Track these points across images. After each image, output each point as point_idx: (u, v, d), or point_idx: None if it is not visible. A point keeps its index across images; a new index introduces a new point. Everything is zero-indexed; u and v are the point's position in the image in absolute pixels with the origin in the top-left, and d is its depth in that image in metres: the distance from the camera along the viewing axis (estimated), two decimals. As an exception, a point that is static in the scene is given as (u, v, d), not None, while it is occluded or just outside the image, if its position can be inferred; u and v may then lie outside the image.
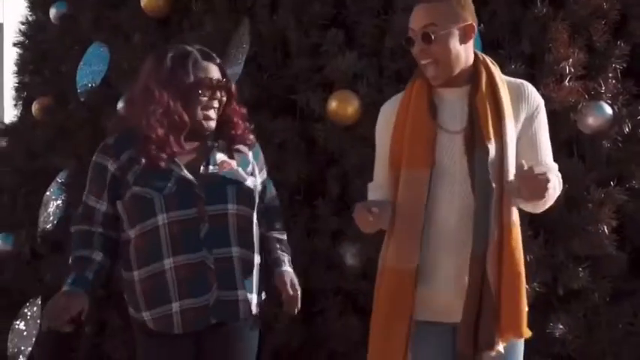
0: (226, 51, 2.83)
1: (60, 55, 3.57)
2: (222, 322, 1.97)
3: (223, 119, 2.05)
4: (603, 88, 2.78)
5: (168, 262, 1.95)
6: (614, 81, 2.83)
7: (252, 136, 2.10)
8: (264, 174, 2.14)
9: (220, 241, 1.97)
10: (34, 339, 3.05)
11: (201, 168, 2.01)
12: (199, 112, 2.00)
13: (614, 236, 2.65)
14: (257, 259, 2.06)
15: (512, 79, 1.94)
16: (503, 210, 1.80)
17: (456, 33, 1.84)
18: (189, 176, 1.99)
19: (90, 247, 2.01)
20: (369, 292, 2.60)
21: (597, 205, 2.64)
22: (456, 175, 1.81)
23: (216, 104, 2.02)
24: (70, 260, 2.01)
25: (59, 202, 3.27)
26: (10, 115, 4.28)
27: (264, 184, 2.13)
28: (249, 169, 2.08)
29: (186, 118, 1.98)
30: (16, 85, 3.93)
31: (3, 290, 3.31)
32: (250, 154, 2.10)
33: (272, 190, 2.17)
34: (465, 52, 1.85)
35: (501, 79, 1.90)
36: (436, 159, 1.81)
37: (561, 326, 2.55)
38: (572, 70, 2.74)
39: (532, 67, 2.76)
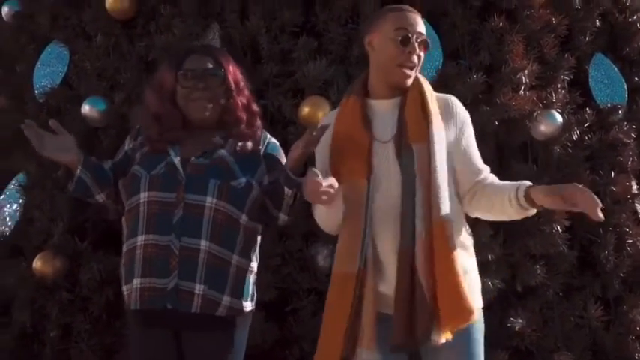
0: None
1: (14, 55, 3.47)
2: (177, 309, 1.99)
3: (225, 112, 2.08)
4: (554, 98, 2.99)
5: (140, 239, 2.02)
6: (562, 91, 3.05)
7: (259, 132, 2.11)
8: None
9: (190, 231, 1.99)
10: (-5, 346, 2.96)
11: (192, 158, 2.05)
12: (185, 104, 2.06)
13: (566, 235, 2.85)
14: (238, 260, 2.03)
15: (441, 94, 2.02)
16: (431, 206, 1.87)
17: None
18: (177, 162, 2.04)
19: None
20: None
21: (551, 206, 2.83)
22: (390, 180, 1.90)
23: (199, 94, 2.05)
24: None
25: (16, 205, 3.19)
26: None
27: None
28: (255, 170, 2.06)
29: (176, 113, 2.06)
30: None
31: (-44, 297, 3.18)
32: (261, 151, 2.10)
33: None
34: None
35: (430, 92, 2.01)
36: (373, 168, 1.90)
37: (520, 320, 2.72)
38: (528, 80, 2.93)
39: (490, 76, 2.93)
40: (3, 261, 3.08)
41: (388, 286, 1.89)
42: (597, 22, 3.24)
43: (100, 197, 2.08)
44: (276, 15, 2.93)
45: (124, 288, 2.07)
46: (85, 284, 2.89)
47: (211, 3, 3.00)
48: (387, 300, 1.89)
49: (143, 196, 2.04)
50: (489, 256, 2.68)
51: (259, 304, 2.66)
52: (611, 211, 2.98)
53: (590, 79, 3.20)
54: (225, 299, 2.02)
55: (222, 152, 2.07)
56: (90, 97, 3.02)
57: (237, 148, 2.08)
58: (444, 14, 2.98)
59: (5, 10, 3.50)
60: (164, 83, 2.07)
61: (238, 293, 2.04)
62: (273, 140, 2.16)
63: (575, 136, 2.99)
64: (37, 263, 2.91)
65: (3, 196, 3.19)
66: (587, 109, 3.08)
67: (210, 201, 2.00)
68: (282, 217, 2.08)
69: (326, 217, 1.98)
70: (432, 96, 1.98)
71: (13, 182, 3.19)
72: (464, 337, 1.88)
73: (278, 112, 2.87)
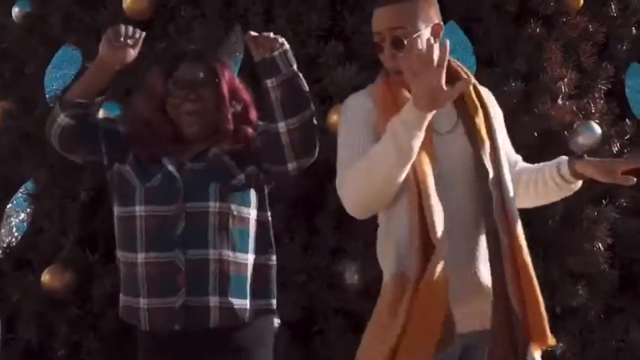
0: (217, 59, 2.72)
1: (23, 57, 3.35)
2: (186, 329, 1.84)
3: (215, 122, 1.91)
4: (593, 108, 2.86)
5: (140, 257, 1.88)
6: (601, 101, 2.92)
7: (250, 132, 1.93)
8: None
9: (196, 242, 1.85)
10: (-4, 363, 2.83)
11: (187, 163, 1.90)
12: (176, 116, 1.91)
13: (607, 253, 2.71)
14: (255, 259, 1.90)
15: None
16: (507, 213, 1.69)
17: (427, 34, 1.70)
18: (174, 171, 1.89)
19: None
20: (371, 311, 2.56)
21: (592, 222, 2.70)
22: (458, 182, 1.69)
23: (190, 106, 1.88)
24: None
25: (23, 215, 3.05)
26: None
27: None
28: (251, 162, 1.91)
29: (166, 122, 1.91)
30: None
31: (-41, 311, 3.03)
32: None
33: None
34: None
35: (480, 87, 1.80)
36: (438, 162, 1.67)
37: (559, 344, 2.57)
38: (567, 89, 2.80)
39: (527, 85, 2.80)
40: (8, 274, 2.94)
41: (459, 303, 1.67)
42: (634, 30, 3.11)
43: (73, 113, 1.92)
44: (302, 18, 2.80)
45: (124, 299, 1.93)
46: (96, 300, 2.75)
47: (234, 5, 2.88)
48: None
49: (139, 209, 1.88)
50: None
51: (284, 324, 2.51)
52: (654, 229, 2.84)
53: (626, 90, 3.08)
54: (251, 304, 1.88)
55: (215, 150, 1.91)
56: (103, 102, 2.88)
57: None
58: (478, 19, 2.86)
59: (16, 10, 3.39)
60: (154, 91, 1.92)
61: (264, 293, 1.91)
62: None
63: (615, 149, 2.85)
64: (45, 277, 2.80)
65: (10, 205, 3.08)
66: (627, 120, 2.94)
67: (213, 206, 1.86)
68: (283, 131, 1.85)
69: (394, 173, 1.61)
70: (487, 96, 1.78)
71: (21, 190, 3.08)
72: None
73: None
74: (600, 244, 2.69)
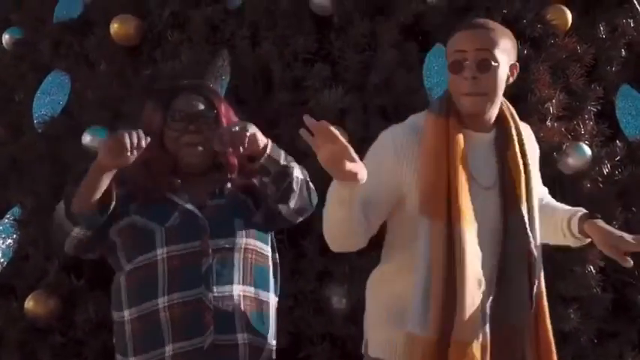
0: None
1: (12, 83, 3.35)
2: None
3: (217, 155, 1.90)
4: (582, 130, 2.84)
5: (162, 301, 1.81)
6: (590, 122, 2.89)
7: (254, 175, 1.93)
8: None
9: (223, 278, 1.83)
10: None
11: (208, 200, 1.88)
12: (175, 148, 1.88)
13: (600, 276, 2.66)
14: (272, 299, 1.92)
15: (521, 123, 1.85)
16: (536, 272, 1.69)
17: (507, 70, 1.71)
18: (194, 209, 1.86)
19: None
20: (358, 337, 2.51)
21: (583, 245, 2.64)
22: (491, 237, 1.66)
23: (190, 138, 1.86)
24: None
25: (10, 240, 3.02)
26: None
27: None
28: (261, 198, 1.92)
29: (166, 158, 1.88)
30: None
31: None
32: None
33: None
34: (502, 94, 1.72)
35: (521, 124, 1.80)
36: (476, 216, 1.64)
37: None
38: (555, 111, 2.78)
39: (514, 106, 2.77)
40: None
41: None
42: (623, 52, 3.10)
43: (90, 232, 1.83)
44: (288, 41, 2.80)
45: (140, 358, 1.83)
46: (79, 326, 2.69)
47: (221, 29, 2.88)
48: None
49: (160, 252, 1.82)
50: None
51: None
52: (647, 251, 2.79)
53: (617, 111, 3.06)
54: (269, 344, 1.89)
55: (230, 187, 1.92)
56: (91, 126, 2.87)
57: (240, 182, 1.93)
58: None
59: (6, 37, 3.42)
60: (151, 125, 1.88)
61: (274, 334, 1.93)
62: None
63: (606, 171, 2.82)
64: (29, 303, 2.75)
65: (-4, 231, 3.03)
66: (618, 141, 2.92)
67: (239, 242, 1.86)
68: (286, 212, 1.89)
69: (347, 217, 1.58)
70: (524, 128, 1.76)
71: (8, 216, 3.04)
72: None
73: (291, 143, 2.70)
74: (592, 267, 2.64)
